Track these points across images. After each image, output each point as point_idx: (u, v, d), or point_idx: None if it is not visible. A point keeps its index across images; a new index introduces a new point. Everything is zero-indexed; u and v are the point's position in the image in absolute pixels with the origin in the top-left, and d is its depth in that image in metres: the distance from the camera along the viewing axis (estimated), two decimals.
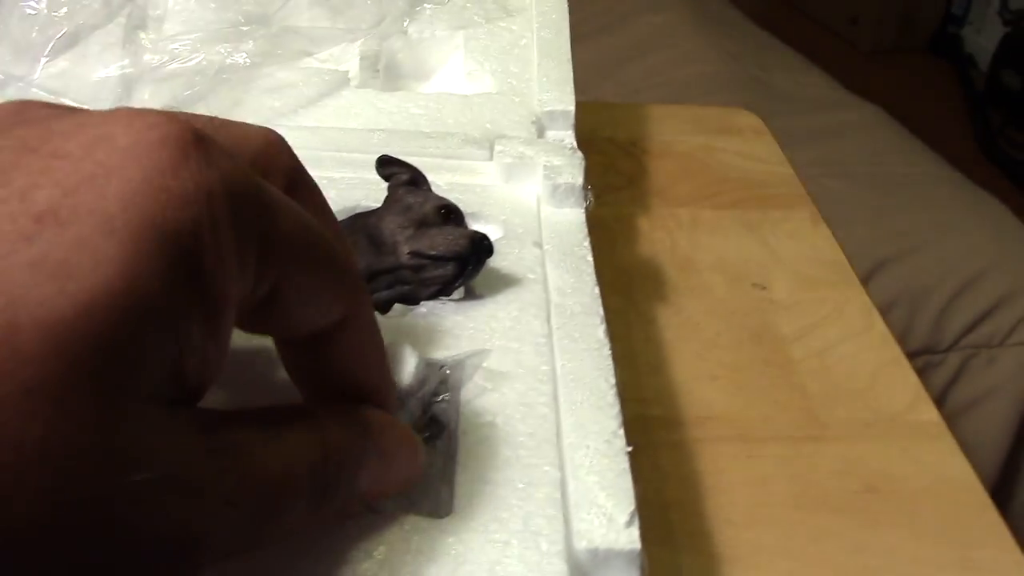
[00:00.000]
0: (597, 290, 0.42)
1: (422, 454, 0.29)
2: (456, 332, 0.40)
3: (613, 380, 0.38)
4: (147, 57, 0.52)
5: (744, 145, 0.70)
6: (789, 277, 0.57)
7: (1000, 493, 1.16)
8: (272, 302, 0.23)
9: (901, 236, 1.24)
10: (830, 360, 0.51)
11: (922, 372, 1.23)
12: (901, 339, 1.14)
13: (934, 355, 1.18)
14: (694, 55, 1.58)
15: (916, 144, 1.49)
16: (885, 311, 1.16)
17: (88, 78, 0.51)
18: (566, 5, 0.61)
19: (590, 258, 0.44)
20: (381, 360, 0.28)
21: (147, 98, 0.51)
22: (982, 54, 2.86)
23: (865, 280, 1.16)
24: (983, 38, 2.91)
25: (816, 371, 0.50)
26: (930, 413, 0.48)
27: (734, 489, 0.43)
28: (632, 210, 0.62)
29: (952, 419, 1.16)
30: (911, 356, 1.18)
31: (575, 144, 0.52)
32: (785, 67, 1.67)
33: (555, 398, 0.37)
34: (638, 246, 0.59)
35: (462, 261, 0.40)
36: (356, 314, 0.26)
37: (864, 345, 0.53)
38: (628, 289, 0.55)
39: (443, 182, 0.48)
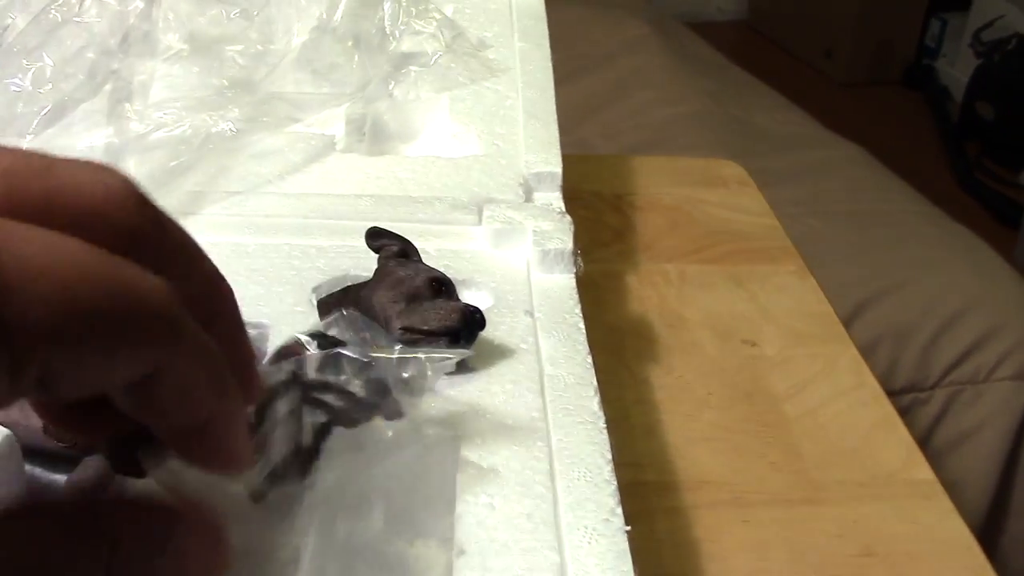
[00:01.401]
0: (590, 359, 0.42)
1: (225, 551, 0.25)
2: (449, 407, 0.39)
3: (609, 455, 0.37)
4: (133, 126, 0.52)
5: (729, 197, 0.70)
6: (779, 332, 0.57)
7: (989, 529, 1.16)
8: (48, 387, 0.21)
9: (884, 274, 1.25)
10: (823, 418, 0.51)
11: (909, 409, 1.24)
12: (887, 377, 1.14)
13: (920, 392, 1.19)
14: (674, 95, 1.59)
15: (895, 181, 1.50)
16: (870, 349, 1.17)
17: (73, 149, 0.51)
18: (550, 65, 0.62)
19: (582, 326, 0.44)
20: (212, 391, 0.24)
21: (132, 168, 0.51)
22: (956, 86, 2.90)
23: (849, 319, 1.17)
24: (957, 70, 2.95)
25: (810, 430, 0.50)
26: (924, 472, 0.48)
27: (732, 556, 0.43)
28: (620, 266, 0.62)
29: (940, 456, 1.17)
30: (898, 394, 1.19)
31: (563, 207, 0.52)
32: (764, 106, 1.68)
33: (551, 475, 0.36)
34: (627, 304, 0.59)
35: (454, 336, 0.40)
36: (168, 364, 0.23)
37: (856, 402, 0.53)
38: (619, 348, 0.55)
39: (432, 248, 0.48)
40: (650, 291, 0.60)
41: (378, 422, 0.39)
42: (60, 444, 0.38)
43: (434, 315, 0.40)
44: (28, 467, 0.39)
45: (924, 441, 1.17)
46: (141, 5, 0.55)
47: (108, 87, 0.53)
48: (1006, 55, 2.67)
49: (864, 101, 3.00)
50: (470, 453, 0.37)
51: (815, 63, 3.18)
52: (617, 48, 1.73)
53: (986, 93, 2.68)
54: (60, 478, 0.40)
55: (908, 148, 2.67)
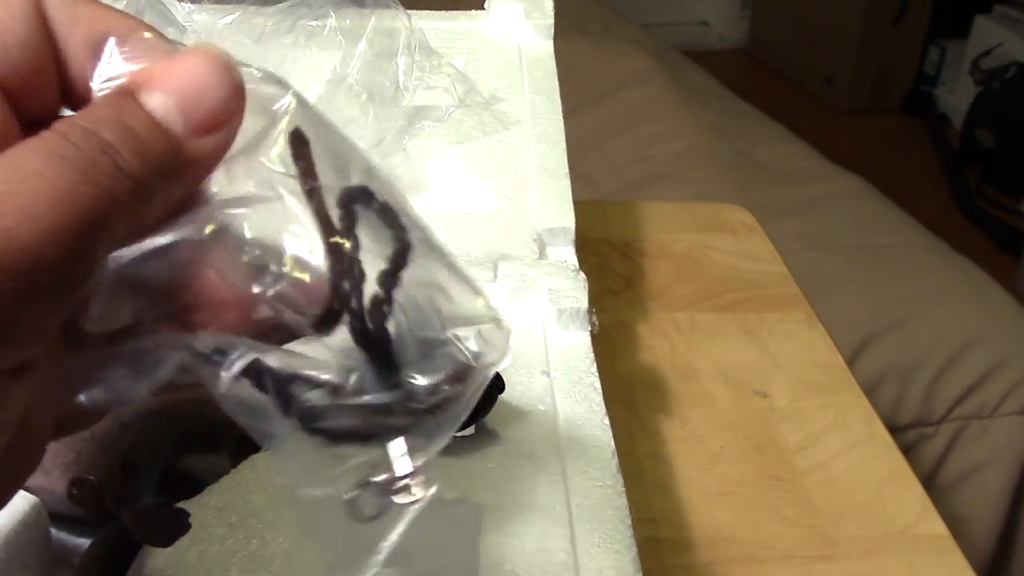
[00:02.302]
0: (607, 420, 0.43)
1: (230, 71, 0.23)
2: (472, 470, 0.40)
3: (628, 520, 0.38)
4: None
5: (737, 243, 0.71)
6: (789, 383, 0.58)
7: (996, 566, 1.16)
8: None
9: (888, 309, 1.25)
10: (835, 471, 0.52)
11: (915, 445, 1.24)
12: (893, 412, 1.14)
13: (926, 427, 1.19)
14: (677, 129, 1.60)
15: (898, 214, 1.51)
16: (876, 385, 1.17)
17: None
18: (561, 118, 0.62)
19: (598, 386, 0.45)
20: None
21: None
22: (956, 113, 2.91)
23: (855, 354, 1.18)
24: (956, 97, 2.96)
25: (822, 484, 0.51)
26: (938, 526, 0.48)
27: None
28: (631, 315, 0.63)
29: (946, 491, 1.17)
30: (903, 429, 1.19)
31: (577, 263, 0.53)
32: (766, 138, 1.69)
33: (572, 541, 0.37)
34: (639, 354, 0.59)
35: None
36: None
37: (868, 454, 0.53)
38: (631, 400, 0.55)
39: None
40: (661, 340, 0.61)
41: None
42: (84, 510, 0.39)
43: None
44: (53, 531, 0.40)
45: (930, 476, 1.17)
46: None
47: None
48: (1005, 83, 2.69)
49: (865, 128, 3.01)
50: (491, 518, 0.38)
51: (816, 91, 3.20)
52: (619, 81, 1.74)
53: (986, 120, 2.69)
54: (83, 542, 0.40)
55: (909, 175, 2.68)
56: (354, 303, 0.23)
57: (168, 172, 0.22)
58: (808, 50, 3.22)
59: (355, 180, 0.25)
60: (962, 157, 2.74)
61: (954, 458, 1.18)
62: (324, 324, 0.24)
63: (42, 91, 0.23)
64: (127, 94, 0.22)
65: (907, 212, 1.53)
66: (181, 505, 0.37)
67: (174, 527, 0.32)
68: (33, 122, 0.22)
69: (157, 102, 0.22)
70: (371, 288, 0.24)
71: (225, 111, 0.23)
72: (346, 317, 0.23)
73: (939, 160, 2.81)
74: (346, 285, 0.23)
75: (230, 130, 0.23)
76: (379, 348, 0.24)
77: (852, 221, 1.45)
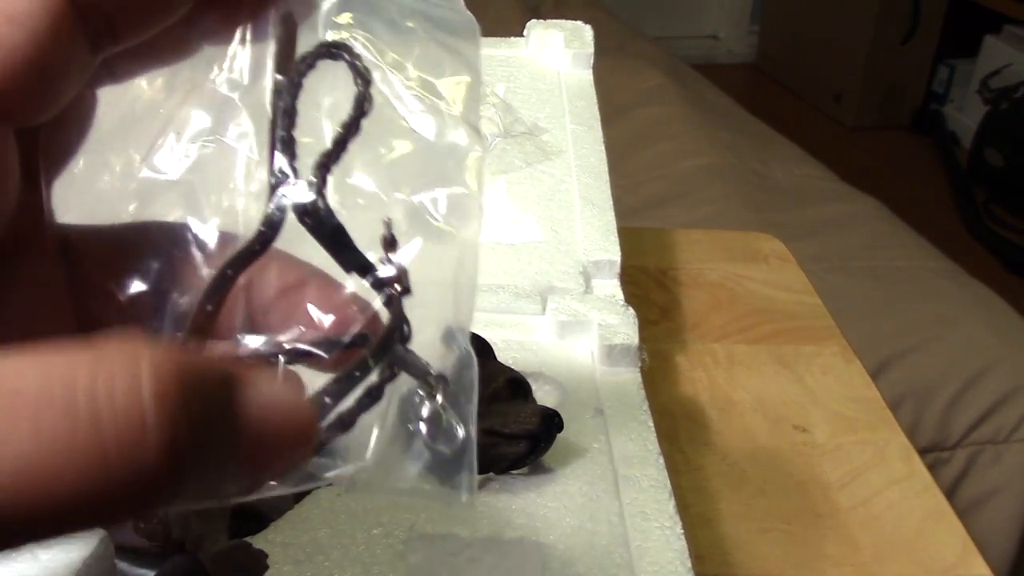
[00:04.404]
0: (662, 460, 0.43)
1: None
2: (530, 510, 0.40)
3: (688, 562, 0.38)
4: None
5: (770, 273, 0.72)
6: (828, 418, 0.58)
7: None
8: None
9: (905, 332, 1.26)
10: (876, 509, 0.52)
11: (931, 469, 1.24)
12: (909, 436, 1.15)
13: (942, 452, 1.19)
14: (692, 147, 1.61)
15: (912, 236, 1.51)
16: (893, 408, 1.18)
17: None
18: (603, 148, 0.63)
19: (651, 423, 0.45)
20: None
21: None
22: (964, 131, 2.92)
23: (872, 377, 1.18)
24: (965, 116, 2.97)
25: (864, 522, 0.51)
26: (980, 567, 0.49)
27: None
28: (668, 345, 0.63)
29: (961, 516, 1.17)
30: (920, 453, 1.19)
31: (623, 298, 0.53)
32: (781, 157, 1.70)
33: None
34: (678, 386, 0.60)
35: (534, 439, 0.41)
36: None
37: (908, 492, 0.53)
38: (673, 433, 0.56)
39: (499, 339, 0.49)
40: (700, 372, 0.61)
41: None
42: (151, 543, 0.39)
43: (514, 419, 0.41)
44: (118, 562, 0.40)
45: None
46: None
47: None
48: (1014, 103, 2.70)
49: (872, 145, 3.02)
50: (552, 558, 0.38)
51: (824, 107, 3.21)
52: (635, 98, 1.74)
53: (995, 140, 2.70)
54: (145, 573, 0.41)
55: (916, 193, 2.69)
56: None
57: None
58: (817, 66, 3.23)
59: None
60: (970, 176, 2.75)
61: (969, 483, 1.19)
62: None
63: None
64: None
65: (913, 229, 1.54)
66: (249, 540, 0.38)
67: (255, 567, 0.33)
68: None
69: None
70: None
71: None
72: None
73: (947, 179, 2.82)
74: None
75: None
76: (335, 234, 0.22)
77: (867, 243, 1.45)
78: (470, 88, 0.23)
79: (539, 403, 0.43)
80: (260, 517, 0.39)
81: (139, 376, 0.16)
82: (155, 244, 0.22)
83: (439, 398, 0.22)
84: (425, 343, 0.22)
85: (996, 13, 2.84)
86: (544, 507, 0.40)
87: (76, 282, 0.22)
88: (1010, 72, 2.78)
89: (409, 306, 0.22)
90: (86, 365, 0.16)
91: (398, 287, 0.22)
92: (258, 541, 0.38)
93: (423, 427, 0.22)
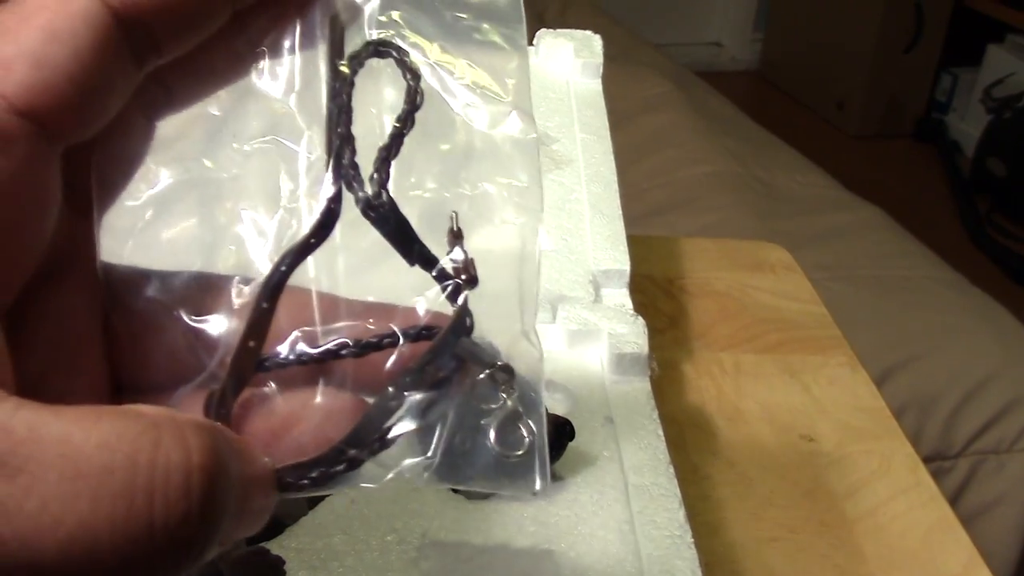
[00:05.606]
0: (672, 469, 0.44)
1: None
2: (541, 518, 0.41)
3: (699, 572, 0.39)
4: None
5: (777, 283, 0.72)
6: (834, 427, 0.59)
7: None
8: None
9: (908, 341, 1.26)
10: (883, 519, 0.53)
11: (933, 478, 1.25)
12: (912, 445, 1.15)
13: (944, 461, 1.20)
14: (697, 155, 1.61)
15: (915, 245, 1.52)
16: (896, 417, 1.18)
17: None
18: (612, 158, 0.63)
19: (661, 432, 0.46)
20: None
21: None
22: (967, 140, 2.93)
23: (876, 386, 1.19)
24: (967, 124, 2.98)
25: (871, 531, 0.52)
26: None
27: None
28: (676, 354, 0.63)
29: (964, 525, 1.18)
30: (922, 462, 1.20)
31: (632, 307, 0.54)
32: (784, 165, 1.70)
33: None
34: (686, 394, 0.60)
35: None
36: None
37: (915, 502, 0.54)
38: (680, 442, 0.56)
39: None
40: (707, 381, 0.62)
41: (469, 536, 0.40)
42: None
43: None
44: None
45: None
46: None
47: None
48: (1017, 112, 2.71)
49: (875, 153, 3.03)
50: (563, 566, 0.39)
51: (826, 115, 3.21)
52: (639, 106, 1.75)
53: (997, 149, 2.70)
54: None
55: (920, 202, 2.69)
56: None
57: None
58: (820, 73, 3.24)
59: None
60: (973, 185, 2.75)
61: (972, 492, 1.19)
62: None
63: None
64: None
65: (915, 238, 1.54)
66: (263, 546, 0.38)
67: (272, 574, 0.33)
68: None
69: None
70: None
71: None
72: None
73: (949, 188, 2.82)
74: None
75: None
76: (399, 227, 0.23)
77: (870, 252, 1.46)
78: (519, 71, 0.24)
79: (550, 412, 0.43)
80: (275, 523, 0.40)
81: (190, 451, 0.17)
82: (196, 295, 0.23)
83: (506, 389, 0.23)
84: (489, 333, 0.23)
85: (999, 23, 2.84)
86: (555, 515, 0.41)
87: (111, 319, 0.22)
88: (1013, 81, 2.78)
89: (473, 297, 0.23)
90: (147, 441, 0.17)
91: (464, 278, 0.23)
92: (273, 547, 0.38)
93: (491, 419, 0.23)
